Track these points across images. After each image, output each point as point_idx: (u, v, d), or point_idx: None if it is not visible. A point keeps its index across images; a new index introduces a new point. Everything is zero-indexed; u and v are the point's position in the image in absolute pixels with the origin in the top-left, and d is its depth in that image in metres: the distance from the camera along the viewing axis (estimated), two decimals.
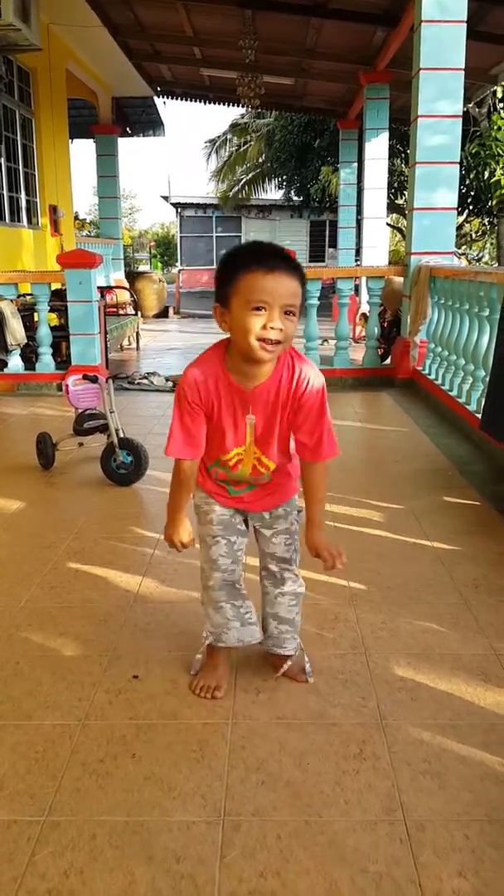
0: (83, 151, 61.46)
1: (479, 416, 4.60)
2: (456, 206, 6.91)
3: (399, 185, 16.66)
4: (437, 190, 6.69)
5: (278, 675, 2.23)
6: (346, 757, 1.89)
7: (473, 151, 13.87)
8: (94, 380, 4.35)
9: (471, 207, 15.81)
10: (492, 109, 14.14)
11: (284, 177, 20.61)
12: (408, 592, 2.80)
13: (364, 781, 1.80)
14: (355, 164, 13.64)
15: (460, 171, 7.30)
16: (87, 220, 23.89)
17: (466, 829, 1.65)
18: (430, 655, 2.37)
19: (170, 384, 7.23)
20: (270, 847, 1.61)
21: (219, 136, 24.06)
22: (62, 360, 7.52)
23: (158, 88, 13.53)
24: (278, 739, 1.96)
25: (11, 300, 7.21)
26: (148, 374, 7.72)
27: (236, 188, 22.57)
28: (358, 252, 13.48)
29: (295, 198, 21.58)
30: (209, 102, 14.01)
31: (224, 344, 1.93)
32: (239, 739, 1.96)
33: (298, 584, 2.21)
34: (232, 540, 2.13)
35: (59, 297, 7.46)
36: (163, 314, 17.09)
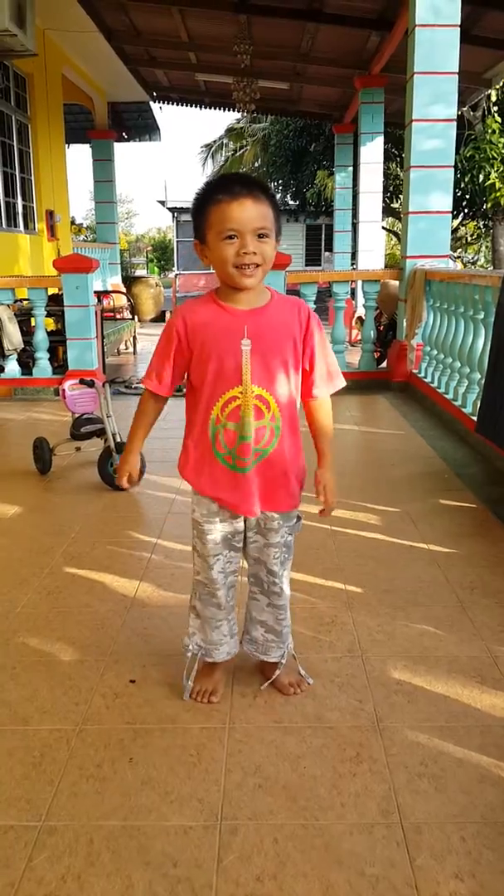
0: (79, 156, 61.57)
1: (475, 418, 4.61)
2: (451, 209, 6.93)
3: (394, 188, 16.71)
4: (432, 193, 6.71)
5: (264, 685, 2.20)
6: (343, 760, 1.89)
7: (468, 155, 13.92)
8: (91, 384, 4.35)
9: (466, 211, 15.87)
10: (486, 113, 14.19)
11: (280, 181, 20.66)
12: (404, 595, 2.81)
13: (361, 784, 1.80)
14: (351, 168, 13.67)
15: (455, 174, 7.31)
16: (84, 225, 23.88)
17: (463, 831, 1.65)
18: (427, 658, 2.37)
19: None
20: (267, 851, 1.61)
21: (215, 141, 24.13)
22: (59, 364, 7.52)
23: (154, 93, 13.57)
24: (275, 743, 1.96)
25: (8, 305, 7.21)
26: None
27: None
28: (354, 256, 13.50)
29: (291, 202, 21.63)
30: (205, 107, 14.05)
31: (214, 288, 1.97)
32: (236, 743, 1.96)
33: (284, 597, 2.15)
34: (228, 555, 2.08)
35: (55, 301, 7.47)
36: (160, 318, 17.08)
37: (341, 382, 2.04)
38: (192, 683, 2.17)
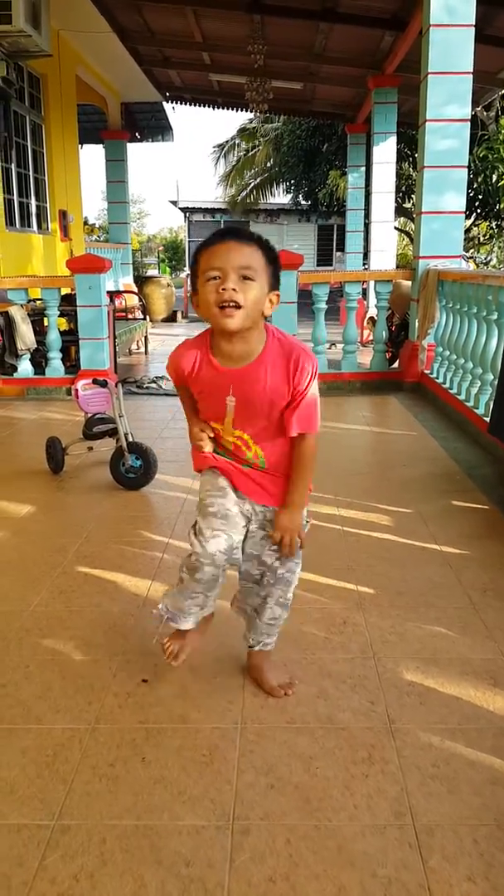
0: (92, 156, 61.73)
1: (488, 419, 4.60)
2: (464, 209, 6.91)
3: (407, 188, 16.65)
4: (445, 193, 6.70)
5: (271, 687, 2.20)
6: (355, 761, 1.89)
7: (481, 155, 13.87)
8: (104, 384, 4.37)
9: (479, 211, 15.81)
10: (500, 113, 14.15)
11: (292, 181, 20.65)
12: (416, 596, 2.80)
13: (373, 786, 1.80)
14: (363, 168, 13.64)
15: (468, 174, 7.28)
16: (97, 225, 23.97)
17: (476, 833, 1.65)
18: (439, 660, 2.37)
19: None
20: (280, 851, 1.61)
21: (227, 141, 24.12)
22: (71, 364, 7.54)
23: (167, 94, 13.58)
24: (287, 744, 1.96)
25: (21, 305, 7.24)
26: (156, 378, 7.75)
27: (244, 192, 22.62)
28: (366, 256, 13.47)
29: (303, 202, 21.62)
30: (218, 107, 14.04)
31: (210, 330, 1.96)
32: (248, 743, 1.96)
33: (268, 592, 2.15)
34: (233, 537, 2.05)
35: (68, 301, 7.49)
36: (171, 318, 17.11)
37: (315, 429, 1.99)
38: (165, 640, 2.26)
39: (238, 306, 1.80)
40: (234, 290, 1.78)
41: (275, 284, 1.88)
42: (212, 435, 2.06)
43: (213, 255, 1.81)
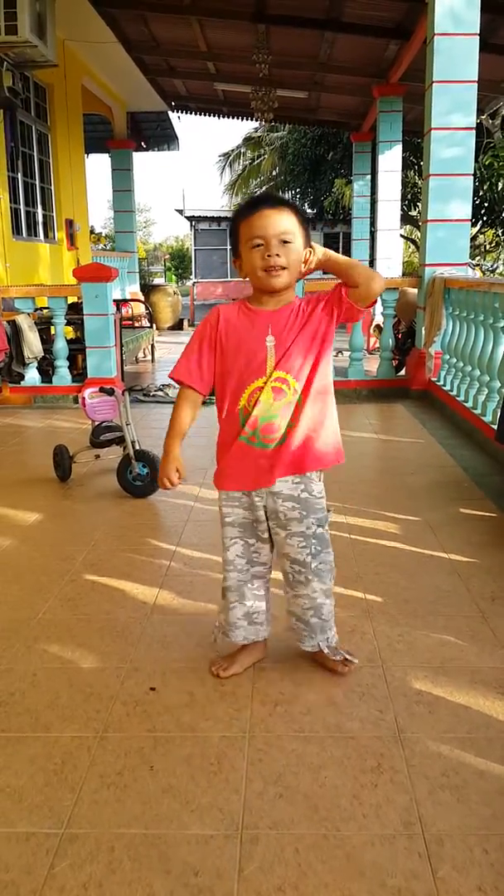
0: (98, 166, 61.97)
1: (495, 427, 4.59)
2: (470, 217, 6.92)
3: (413, 196, 16.68)
4: (451, 201, 6.70)
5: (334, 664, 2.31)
6: (364, 770, 1.88)
7: (487, 163, 13.87)
8: (111, 392, 4.37)
9: (484, 219, 15.79)
10: None
11: (298, 189, 20.69)
12: (424, 605, 2.80)
13: (382, 795, 1.79)
14: (369, 177, 13.68)
15: (474, 182, 7.29)
16: (103, 234, 24.04)
17: (486, 843, 1.64)
18: (448, 668, 2.36)
19: None
20: (288, 861, 1.60)
21: (232, 150, 24.22)
22: (78, 372, 7.56)
23: (173, 103, 13.65)
24: (296, 752, 1.95)
25: (28, 314, 7.27)
26: (163, 386, 7.76)
27: None
28: (372, 264, 13.48)
29: (309, 210, 21.60)
30: (223, 116, 14.12)
31: (246, 296, 2.16)
32: (256, 752, 1.96)
33: (311, 588, 2.22)
34: (250, 542, 2.23)
35: (75, 310, 7.52)
36: (177, 326, 17.15)
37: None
38: (217, 635, 2.37)
39: (283, 268, 2.00)
40: (277, 255, 1.99)
41: (307, 241, 2.07)
42: (178, 482, 2.24)
43: (254, 225, 2.00)
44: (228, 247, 24.70)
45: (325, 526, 2.22)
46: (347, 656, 2.31)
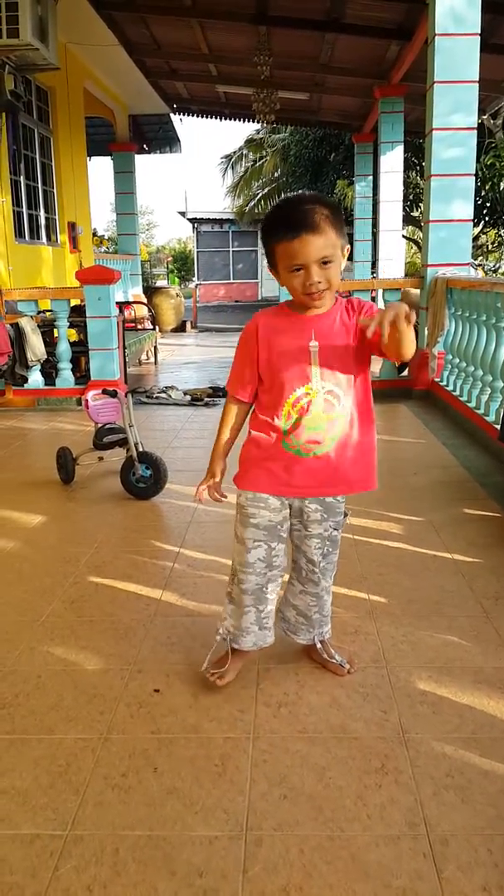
0: (101, 168, 62.09)
1: (498, 427, 4.58)
2: (472, 217, 6.91)
3: (414, 197, 16.68)
4: (453, 202, 6.70)
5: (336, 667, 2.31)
6: (368, 771, 1.88)
7: (488, 163, 13.89)
8: (114, 394, 4.38)
9: (486, 219, 15.81)
10: None
11: (300, 191, 20.68)
12: (428, 605, 2.79)
13: (386, 796, 1.79)
14: (370, 178, 13.68)
15: (475, 182, 7.29)
16: (106, 237, 24.08)
17: (490, 843, 1.64)
18: (452, 669, 2.35)
19: (188, 398, 7.27)
20: (293, 862, 1.60)
21: (234, 152, 24.24)
22: (81, 375, 7.57)
23: (175, 105, 13.67)
24: (300, 753, 1.95)
25: (31, 316, 7.28)
26: (166, 388, 7.76)
27: (252, 203, 22.70)
28: (374, 265, 13.49)
29: None
30: (225, 119, 14.13)
31: (288, 301, 2.09)
32: (260, 753, 1.96)
33: (321, 587, 2.25)
34: (272, 546, 2.18)
35: (78, 312, 7.53)
36: (180, 328, 17.16)
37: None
38: (215, 651, 2.31)
39: (324, 290, 1.93)
40: (319, 281, 1.90)
41: (346, 239, 1.96)
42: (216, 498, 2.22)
43: (293, 252, 1.89)
44: (231, 249, 24.62)
45: (341, 529, 2.23)
46: (343, 663, 2.32)
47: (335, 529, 2.20)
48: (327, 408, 2.02)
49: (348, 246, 1.98)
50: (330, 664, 2.33)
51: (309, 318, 2.02)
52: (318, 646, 2.34)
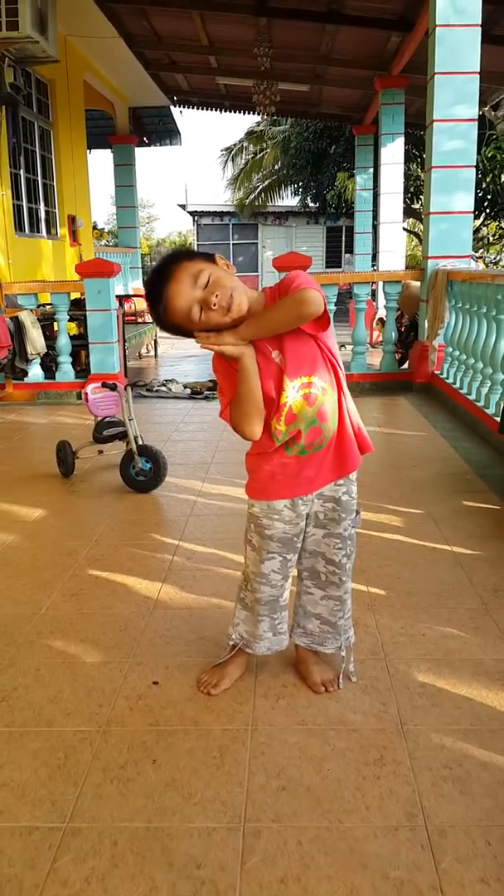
0: (101, 161, 61.91)
1: (498, 419, 4.58)
2: (472, 209, 6.89)
3: (415, 189, 16.63)
4: (454, 194, 6.68)
5: (314, 682, 2.22)
6: (367, 763, 1.88)
7: (489, 155, 13.84)
8: (113, 388, 4.37)
9: (487, 211, 15.76)
10: None
11: (300, 183, 20.64)
12: (427, 597, 2.79)
13: (385, 787, 1.79)
14: (371, 170, 13.62)
15: (476, 174, 7.27)
16: (106, 230, 24.03)
17: (488, 834, 1.64)
18: (451, 660, 2.35)
19: (188, 391, 7.26)
20: (291, 853, 1.60)
21: (235, 144, 24.12)
22: (81, 368, 7.57)
23: (175, 98, 13.61)
24: (298, 745, 1.96)
25: (31, 310, 7.27)
26: (166, 381, 7.75)
27: (253, 195, 22.61)
28: (374, 257, 13.45)
29: (311, 204, 21.60)
30: (225, 111, 14.07)
31: None
32: (259, 745, 1.96)
33: (343, 590, 2.20)
34: (288, 557, 2.14)
35: (78, 306, 7.52)
36: None
37: (307, 284, 1.82)
38: (202, 675, 2.26)
39: (226, 305, 1.81)
40: (215, 294, 1.79)
41: (208, 256, 1.87)
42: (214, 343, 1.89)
43: (174, 320, 1.83)
44: (231, 242, 24.51)
45: (356, 527, 2.19)
46: (339, 680, 2.24)
47: (352, 527, 2.17)
48: (310, 401, 1.94)
49: (218, 257, 1.88)
50: (331, 681, 2.23)
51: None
52: (343, 653, 2.27)
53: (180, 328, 1.86)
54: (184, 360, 10.73)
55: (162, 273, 1.82)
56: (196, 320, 1.81)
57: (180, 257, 1.84)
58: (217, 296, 1.79)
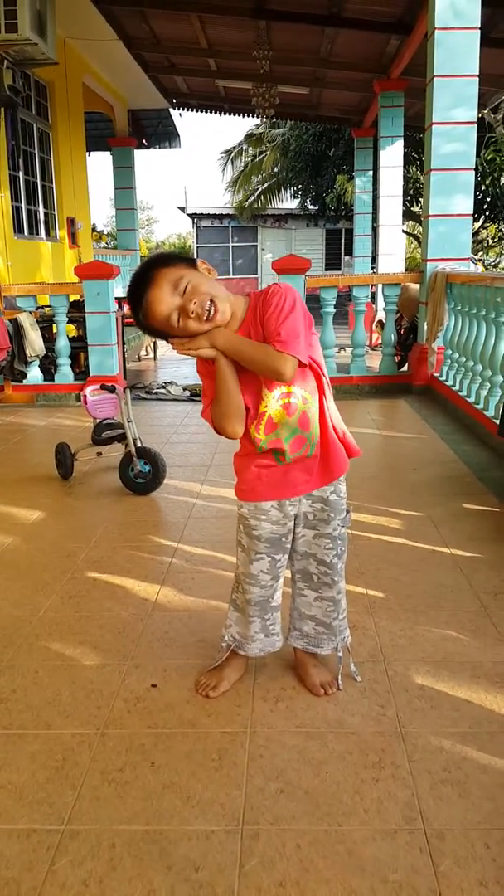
0: (100, 164, 61.99)
1: (497, 422, 4.58)
2: (472, 212, 6.90)
3: (414, 192, 16.65)
4: (453, 196, 6.69)
5: (313, 684, 2.21)
6: (366, 766, 1.88)
7: (489, 157, 13.87)
8: (112, 390, 4.37)
9: (487, 213, 15.79)
10: None
11: (300, 186, 20.68)
12: (426, 600, 2.79)
13: (383, 790, 1.79)
14: (370, 172, 13.64)
15: (475, 177, 7.28)
16: (105, 232, 24.03)
17: (487, 837, 1.63)
18: (450, 663, 2.35)
19: (187, 393, 7.26)
20: (289, 856, 1.60)
21: (234, 147, 24.15)
22: (80, 370, 7.57)
23: (174, 100, 13.63)
24: (297, 748, 1.95)
25: (30, 312, 7.27)
26: (165, 383, 7.75)
27: (252, 198, 22.64)
28: (374, 260, 13.47)
29: (310, 207, 21.64)
30: (224, 113, 14.09)
31: None
32: (257, 748, 1.95)
33: (336, 590, 2.19)
34: (276, 558, 2.14)
35: (77, 308, 7.52)
36: None
37: (294, 350, 1.80)
38: (201, 678, 2.26)
39: (209, 311, 1.82)
40: (193, 302, 1.80)
41: (190, 261, 1.87)
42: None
43: (159, 327, 1.84)
44: (231, 244, 24.55)
45: (346, 526, 2.18)
46: (332, 680, 2.23)
47: (342, 527, 2.16)
48: (289, 410, 1.93)
49: (200, 261, 1.88)
50: (330, 684, 2.22)
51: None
52: (340, 654, 2.26)
53: (160, 332, 1.87)
54: (183, 362, 10.72)
55: (143, 277, 1.83)
56: (175, 326, 1.82)
57: (161, 262, 1.84)
58: (194, 303, 1.80)
